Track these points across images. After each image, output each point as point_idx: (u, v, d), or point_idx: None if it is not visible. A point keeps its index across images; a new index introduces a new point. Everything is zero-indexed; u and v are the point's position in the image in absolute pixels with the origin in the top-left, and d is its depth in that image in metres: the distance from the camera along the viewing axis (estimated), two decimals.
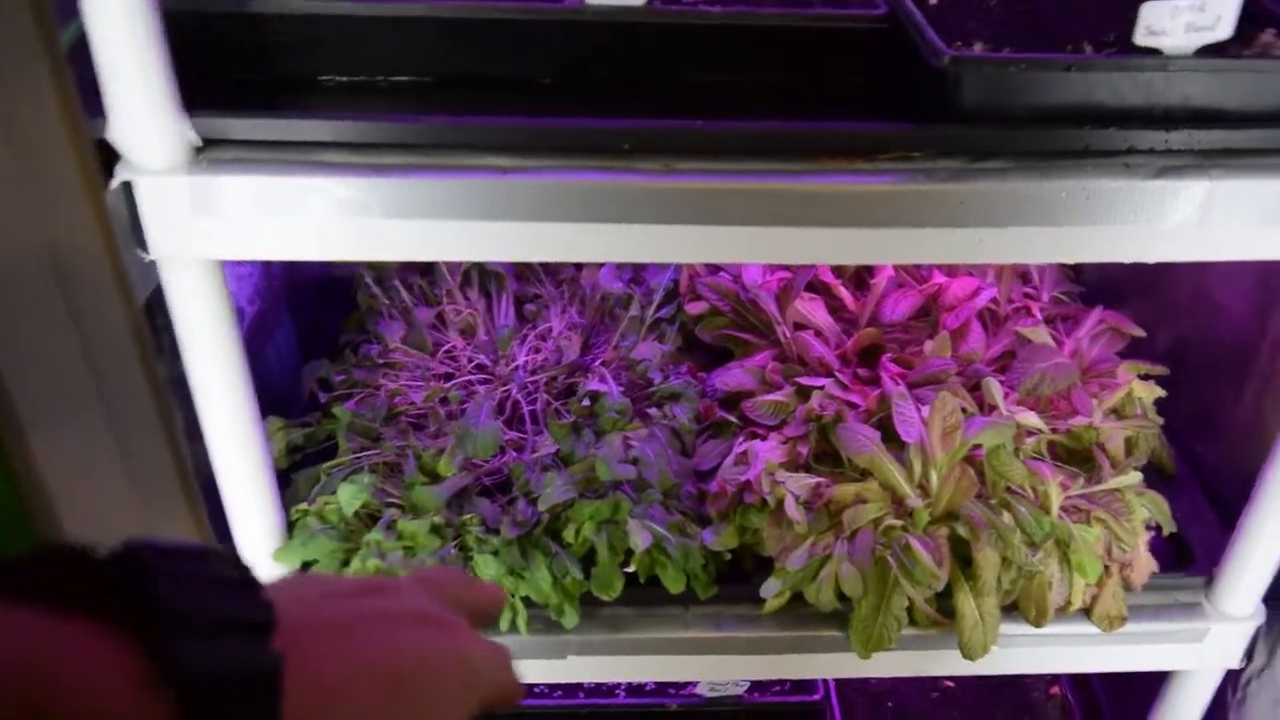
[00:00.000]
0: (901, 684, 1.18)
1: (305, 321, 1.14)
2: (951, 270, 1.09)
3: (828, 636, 0.90)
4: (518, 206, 0.66)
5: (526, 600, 0.86)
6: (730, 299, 1.07)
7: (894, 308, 1.05)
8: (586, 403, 0.99)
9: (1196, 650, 0.92)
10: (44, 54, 0.49)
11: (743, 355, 1.04)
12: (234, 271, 0.99)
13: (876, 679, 1.19)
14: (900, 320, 1.05)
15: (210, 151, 0.66)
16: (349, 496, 0.87)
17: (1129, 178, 0.67)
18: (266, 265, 1.03)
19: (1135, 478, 0.90)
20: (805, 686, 1.14)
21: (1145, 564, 0.89)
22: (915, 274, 1.10)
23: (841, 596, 0.85)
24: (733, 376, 1.00)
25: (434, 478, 0.91)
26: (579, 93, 0.73)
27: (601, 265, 1.13)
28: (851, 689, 1.18)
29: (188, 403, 0.75)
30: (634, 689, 1.14)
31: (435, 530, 0.86)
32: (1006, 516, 0.86)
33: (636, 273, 1.13)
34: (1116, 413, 0.98)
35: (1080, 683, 1.19)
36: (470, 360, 1.07)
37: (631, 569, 0.87)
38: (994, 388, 0.93)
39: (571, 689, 1.14)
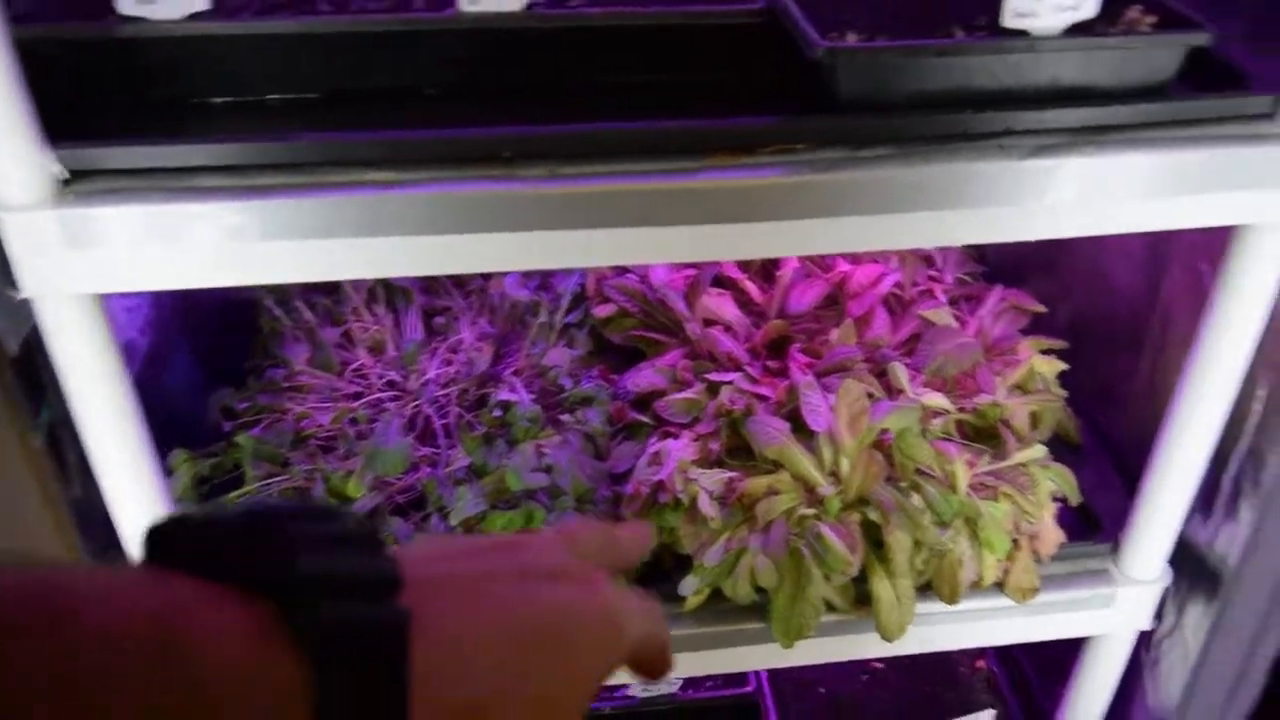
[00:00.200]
0: (832, 669, 1.19)
1: (208, 349, 1.12)
2: (856, 258, 1.10)
3: (750, 629, 0.91)
4: (400, 221, 0.65)
5: None
6: (638, 299, 1.07)
7: (800, 298, 1.06)
8: (498, 413, 0.98)
9: (1107, 615, 0.94)
10: None
11: (654, 355, 1.04)
12: (121, 304, 0.96)
13: (808, 666, 1.20)
14: (807, 310, 1.06)
15: (80, 183, 0.64)
16: None
17: (1005, 159, 0.68)
18: (157, 295, 1.01)
19: (1040, 451, 0.92)
20: (737, 679, 1.15)
21: (1052, 535, 0.91)
22: (821, 263, 1.11)
23: (759, 589, 0.86)
24: (644, 377, 1.00)
25: (344, 500, 0.90)
26: (461, 102, 0.72)
27: (505, 274, 1.12)
28: (783, 678, 1.19)
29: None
30: None
31: None
32: (916, 498, 0.87)
33: (544, 279, 1.13)
34: (1021, 388, 1.00)
35: (1004, 654, 1.21)
36: (380, 377, 1.05)
37: None
38: (900, 371, 0.94)
39: None
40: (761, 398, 0.94)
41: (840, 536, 0.84)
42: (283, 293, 1.08)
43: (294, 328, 1.06)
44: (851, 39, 0.66)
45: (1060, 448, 1.01)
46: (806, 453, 0.88)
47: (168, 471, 0.88)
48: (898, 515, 0.85)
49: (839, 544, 0.83)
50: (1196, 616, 0.97)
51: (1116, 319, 1.07)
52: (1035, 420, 0.98)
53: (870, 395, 0.91)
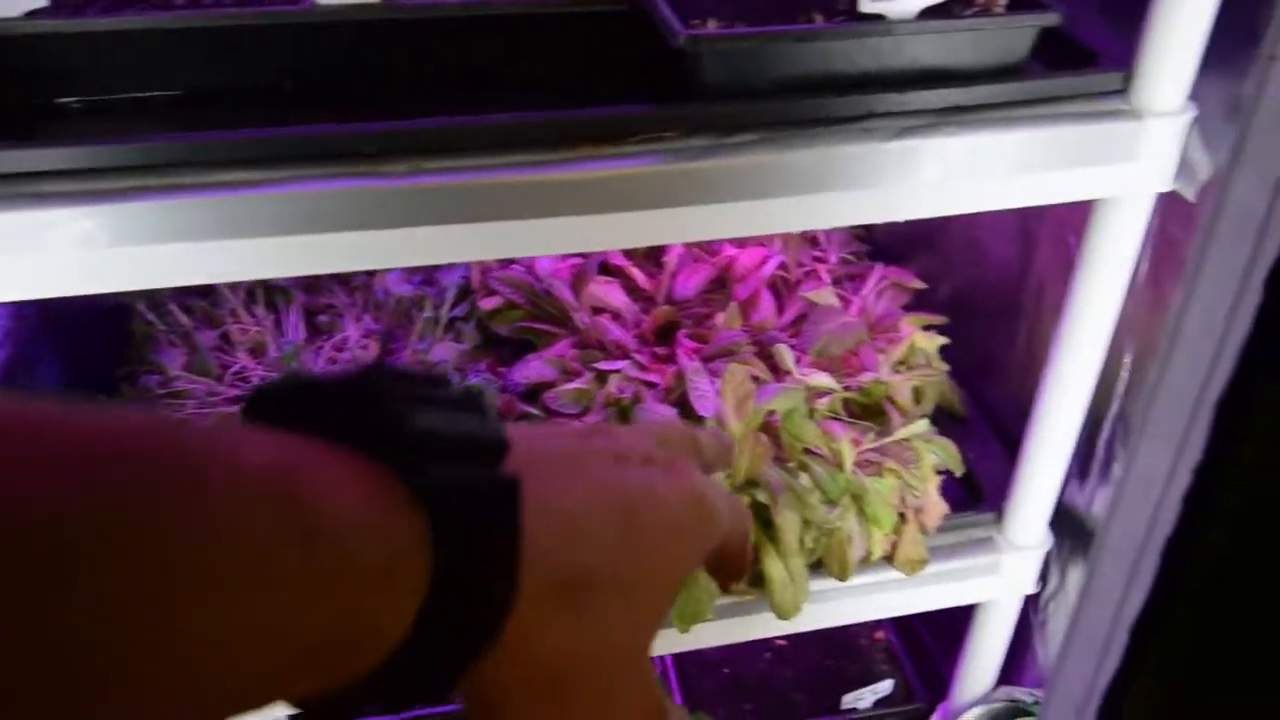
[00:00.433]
0: (735, 649, 1.20)
1: (76, 357, 1.07)
2: (741, 241, 1.11)
3: None
4: (261, 222, 0.63)
5: None
6: (524, 290, 1.06)
7: (686, 283, 1.06)
8: None
9: (994, 582, 0.97)
10: None
11: (543, 346, 1.03)
12: None
13: (710, 648, 1.21)
14: (695, 295, 1.06)
15: None
16: None
17: (871, 141, 0.68)
18: (16, 304, 0.97)
19: (923, 426, 0.94)
20: None
21: (937, 507, 0.93)
22: (707, 247, 1.11)
23: None
24: (532, 369, 0.99)
25: None
26: (321, 97, 0.71)
27: (388, 270, 1.10)
28: (687, 660, 1.19)
29: None
30: None
31: None
32: (804, 478, 0.88)
33: (428, 273, 1.11)
34: (904, 364, 1.02)
35: (902, 624, 1.23)
36: (263, 380, 1.03)
37: None
38: (785, 353, 0.95)
39: None
40: (650, 385, 0.94)
41: None
42: (155, 296, 1.04)
43: (168, 332, 1.02)
44: (713, 26, 0.66)
45: (945, 420, 1.03)
46: None
47: None
48: (786, 495, 0.86)
49: None
50: (1078, 578, 1.00)
51: (995, 292, 1.10)
52: (918, 395, 1.00)
53: (756, 378, 0.92)
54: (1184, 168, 0.73)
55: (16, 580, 0.20)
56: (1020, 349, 1.05)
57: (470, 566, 0.27)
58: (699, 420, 0.89)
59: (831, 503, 0.88)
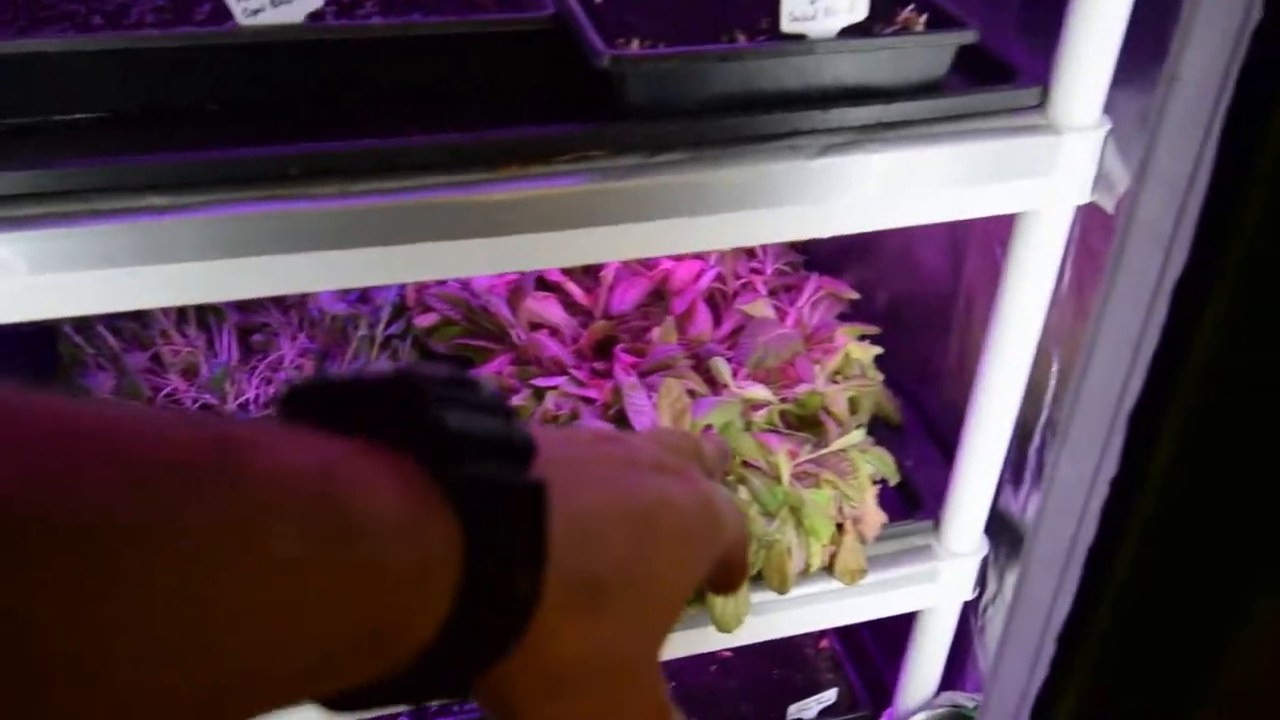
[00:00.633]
0: (681, 663, 1.20)
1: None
2: (678, 255, 1.11)
3: None
4: (184, 246, 0.63)
5: None
6: (461, 307, 1.06)
7: (623, 297, 1.06)
8: None
9: (932, 589, 0.98)
10: None
11: (480, 363, 1.03)
12: None
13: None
14: (632, 309, 1.07)
15: None
16: None
17: (796, 158, 0.69)
18: None
19: (859, 436, 0.95)
20: None
21: (875, 517, 0.94)
22: (644, 261, 1.12)
23: None
24: None
25: None
26: (245, 119, 0.70)
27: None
28: None
29: None
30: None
31: None
32: (742, 491, 0.89)
33: (363, 291, 1.10)
34: (840, 374, 1.03)
35: (846, 633, 1.24)
36: (195, 402, 1.01)
37: None
38: (721, 367, 0.95)
39: None
40: (588, 400, 0.94)
41: None
42: (83, 318, 1.02)
43: (97, 355, 1.00)
44: (636, 46, 0.66)
45: (882, 429, 1.04)
46: None
47: None
48: None
49: None
50: (1014, 584, 1.02)
51: (927, 302, 1.11)
52: (854, 405, 1.01)
53: (693, 392, 0.92)
54: (1101, 180, 0.75)
55: (64, 572, 0.20)
56: (954, 357, 1.07)
57: (501, 570, 0.28)
58: None
59: (770, 515, 0.89)
